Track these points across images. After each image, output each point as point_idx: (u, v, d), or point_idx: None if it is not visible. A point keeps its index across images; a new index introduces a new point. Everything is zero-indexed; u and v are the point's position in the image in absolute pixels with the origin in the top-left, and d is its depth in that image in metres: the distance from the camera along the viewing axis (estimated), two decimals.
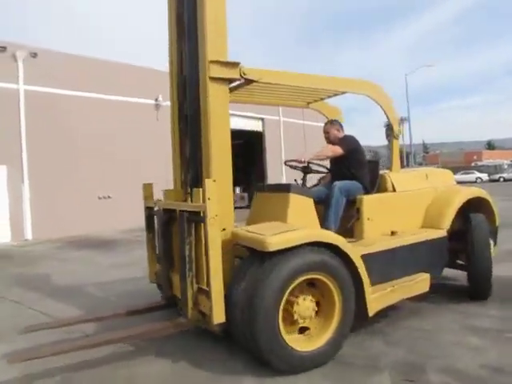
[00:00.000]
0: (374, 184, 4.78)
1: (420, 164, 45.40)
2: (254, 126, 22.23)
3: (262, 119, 22.44)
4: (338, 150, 4.63)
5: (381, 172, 4.89)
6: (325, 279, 3.50)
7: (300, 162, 4.48)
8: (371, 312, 3.79)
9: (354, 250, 3.71)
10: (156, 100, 16.99)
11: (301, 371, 3.36)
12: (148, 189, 4.79)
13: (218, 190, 3.56)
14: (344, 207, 4.45)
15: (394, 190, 4.72)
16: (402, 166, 33.89)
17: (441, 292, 5.19)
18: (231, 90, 4.32)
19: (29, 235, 13.52)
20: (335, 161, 4.81)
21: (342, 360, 3.59)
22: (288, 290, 3.31)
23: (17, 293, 6.42)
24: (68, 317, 4.71)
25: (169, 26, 4.62)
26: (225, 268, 3.49)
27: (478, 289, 4.81)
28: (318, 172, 4.86)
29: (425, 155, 63.13)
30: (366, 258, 3.86)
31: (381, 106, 4.75)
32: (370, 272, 3.81)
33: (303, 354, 3.39)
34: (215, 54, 3.76)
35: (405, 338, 4.01)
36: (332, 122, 5.06)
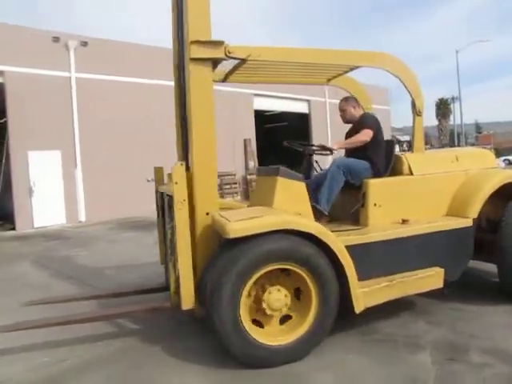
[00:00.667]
0: (388, 166, 4.39)
1: (472, 145, 43.77)
2: (300, 107, 21.94)
3: (308, 101, 22.13)
4: (370, 134, 4.33)
5: (398, 153, 4.49)
6: (298, 270, 3.27)
7: (329, 150, 4.32)
8: (358, 308, 3.45)
9: (335, 240, 3.38)
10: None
11: (268, 365, 3.22)
12: (159, 172, 4.75)
13: (201, 175, 3.55)
14: (341, 187, 4.15)
15: (411, 174, 4.29)
16: (452, 147, 32.87)
17: (484, 275, 5.05)
18: (235, 70, 4.31)
19: (82, 217, 14.18)
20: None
21: (384, 338, 3.67)
22: (251, 279, 3.17)
23: (77, 270, 6.94)
24: (77, 293, 5.12)
25: (172, 8, 4.49)
26: (208, 253, 3.51)
27: (509, 285, 4.26)
28: (321, 154, 4.57)
29: (477, 136, 60.85)
30: (354, 248, 3.56)
31: (400, 80, 4.33)
32: (359, 264, 3.51)
33: (272, 346, 3.24)
34: (195, 33, 3.58)
35: (447, 318, 4.01)
36: (347, 99, 4.72)
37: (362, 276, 3.58)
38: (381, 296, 3.61)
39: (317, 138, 22.28)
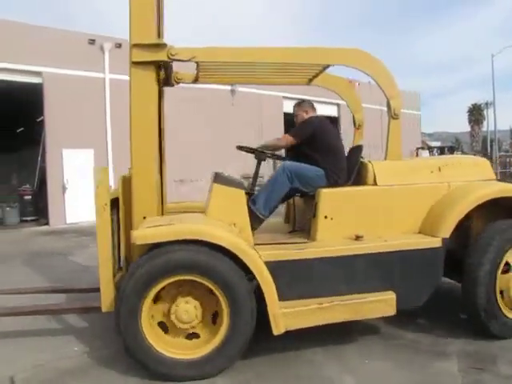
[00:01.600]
0: (350, 174, 4.04)
1: (506, 151, 42.80)
2: (330, 111, 21.80)
3: (338, 104, 21.95)
4: (288, 140, 4.06)
5: (365, 160, 4.05)
6: (205, 282, 3.13)
7: (248, 150, 4.07)
8: (276, 330, 3.18)
9: (251, 254, 3.17)
10: (232, 85, 17.02)
11: (170, 378, 3.12)
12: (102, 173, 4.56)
13: (138, 179, 3.52)
14: (285, 193, 3.91)
15: (376, 184, 3.83)
16: (485, 155, 32.03)
17: None
18: (200, 71, 4.26)
19: None
20: (297, 147, 4.18)
21: (410, 344, 3.66)
22: (155, 288, 3.10)
23: None
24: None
25: None
26: None
27: (470, 305, 3.72)
28: (275, 158, 4.34)
29: None
30: (283, 264, 3.33)
31: (375, 79, 3.96)
32: (287, 282, 3.30)
33: (177, 360, 3.14)
34: (137, 36, 3.55)
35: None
36: (300, 104, 4.44)
37: (290, 295, 3.34)
38: (307, 319, 3.29)
39: (347, 142, 22.13)
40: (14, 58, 12.63)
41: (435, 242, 3.62)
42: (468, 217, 3.79)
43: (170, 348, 3.16)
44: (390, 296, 3.45)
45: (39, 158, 15.02)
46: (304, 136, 4.04)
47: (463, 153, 38.69)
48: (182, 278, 3.12)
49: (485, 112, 47.39)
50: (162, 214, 4.15)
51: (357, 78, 22.06)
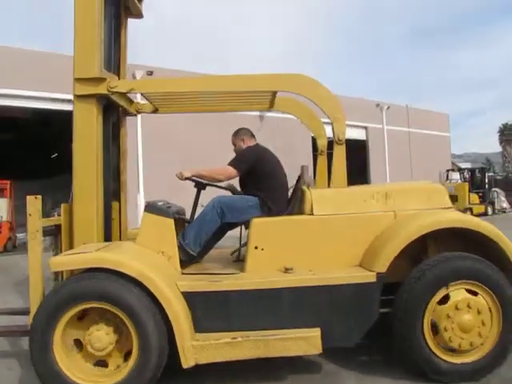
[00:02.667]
0: (289, 204, 3.91)
1: None
2: (357, 134, 21.57)
3: (366, 128, 21.68)
4: (230, 173, 3.94)
5: (306, 188, 3.86)
6: (115, 311, 3.10)
7: (179, 177, 4.01)
8: (185, 363, 3.09)
9: (159, 284, 3.12)
10: (260, 111, 17.12)
11: None
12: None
13: (78, 207, 3.64)
14: (215, 229, 3.84)
15: (312, 213, 3.63)
16: None
17: None
18: (153, 101, 4.37)
19: None
20: (241, 176, 4.11)
21: None
22: (66, 315, 3.11)
23: None
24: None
25: None
26: None
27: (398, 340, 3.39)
28: (217, 187, 4.24)
29: None
30: (195, 295, 3.26)
31: (318, 105, 3.82)
32: (200, 314, 3.24)
33: None
34: (79, 71, 3.68)
35: None
36: (237, 133, 4.36)
37: (207, 327, 3.27)
38: (217, 354, 3.16)
39: (374, 165, 21.77)
40: (53, 87, 13.21)
41: (369, 277, 3.38)
42: (425, 246, 3.59)
43: (80, 374, 3.16)
44: (314, 334, 3.26)
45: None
46: (245, 168, 3.98)
47: (495, 173, 37.22)
48: (90, 306, 3.15)
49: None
50: (120, 240, 4.26)
51: (386, 101, 21.93)
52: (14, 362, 4.07)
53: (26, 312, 4.17)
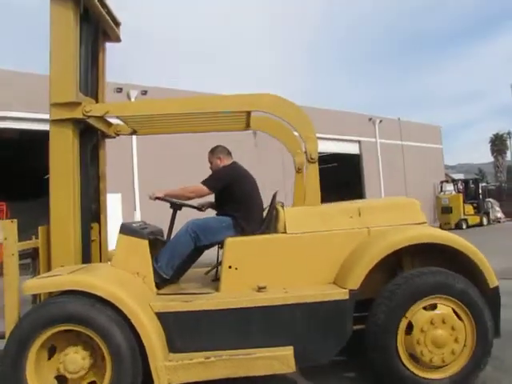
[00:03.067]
0: (263, 222, 3.92)
1: None
2: (351, 148, 21.64)
3: (359, 141, 21.71)
4: (202, 191, 3.95)
5: (280, 207, 3.88)
6: (88, 333, 3.11)
7: (151, 197, 4.05)
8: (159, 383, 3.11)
9: (130, 305, 3.12)
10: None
11: None
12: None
13: (55, 230, 3.69)
14: (189, 252, 3.84)
15: (285, 232, 3.64)
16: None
17: None
18: (129, 124, 4.43)
19: None
20: (214, 196, 4.16)
21: None
22: (40, 338, 3.10)
23: None
24: None
25: None
26: None
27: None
28: (193, 207, 4.25)
29: None
30: (168, 316, 3.27)
31: (290, 123, 3.89)
32: (174, 334, 3.25)
33: None
34: (54, 96, 3.76)
35: None
36: (213, 151, 4.39)
37: (182, 347, 3.28)
38: (190, 373, 3.15)
39: (369, 179, 21.79)
40: (47, 109, 13.26)
41: (341, 294, 3.37)
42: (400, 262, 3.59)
43: None
44: (286, 352, 3.24)
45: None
46: (219, 187, 4.00)
47: (488, 184, 37.17)
48: (64, 328, 3.13)
49: (508, 142, 45.70)
50: (101, 261, 4.25)
51: (378, 115, 22.01)
52: None
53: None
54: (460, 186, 22.05)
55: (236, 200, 3.96)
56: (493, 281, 3.46)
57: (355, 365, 3.92)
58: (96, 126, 4.08)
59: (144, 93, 15.25)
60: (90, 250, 4.08)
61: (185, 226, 3.90)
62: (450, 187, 22.59)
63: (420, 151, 23.74)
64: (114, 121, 4.45)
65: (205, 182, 3.99)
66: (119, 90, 14.88)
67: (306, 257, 3.60)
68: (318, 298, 3.36)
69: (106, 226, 4.48)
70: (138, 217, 14.81)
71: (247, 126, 4.68)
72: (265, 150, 16.96)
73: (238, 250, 3.63)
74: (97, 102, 4.36)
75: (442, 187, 23.10)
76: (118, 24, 4.48)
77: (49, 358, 3.24)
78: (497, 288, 3.48)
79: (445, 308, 3.33)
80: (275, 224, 3.80)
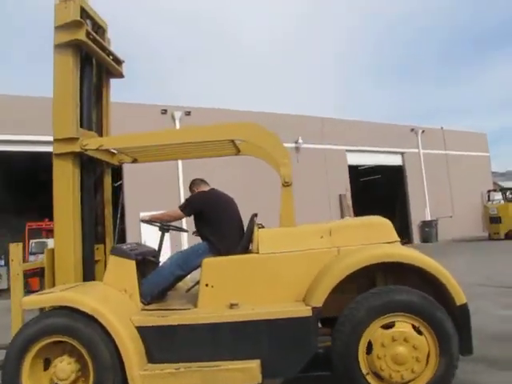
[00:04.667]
0: (239, 243, 4.07)
1: None
2: (394, 160, 21.27)
3: (402, 153, 21.29)
4: (178, 214, 4.34)
5: (259, 228, 4.09)
6: (75, 344, 3.47)
7: (151, 223, 4.42)
8: None
9: (109, 318, 3.44)
10: (296, 142, 17.29)
11: None
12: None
13: (59, 252, 4.11)
14: (172, 281, 4.16)
15: (258, 252, 3.83)
16: None
17: None
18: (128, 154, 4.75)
19: None
20: (194, 220, 4.44)
21: None
22: (33, 349, 3.49)
23: None
24: None
25: None
26: None
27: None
28: (179, 230, 4.68)
29: None
30: (146, 329, 3.57)
31: (267, 151, 4.07)
32: (152, 346, 3.56)
33: None
34: (56, 131, 4.19)
35: None
36: (193, 182, 4.72)
37: (158, 358, 3.57)
38: (164, 382, 3.40)
39: (413, 190, 21.29)
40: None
41: (304, 312, 3.52)
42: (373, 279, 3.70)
43: None
44: (252, 365, 3.44)
45: (118, 220, 16.31)
46: (192, 211, 4.33)
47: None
48: (55, 339, 3.52)
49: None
50: None
51: (420, 125, 21.53)
52: None
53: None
54: (510, 195, 20.97)
55: (211, 223, 4.23)
56: (460, 298, 3.47)
57: (328, 379, 3.85)
58: (99, 157, 4.50)
59: (188, 113, 15.86)
60: (93, 269, 4.46)
61: (168, 259, 4.24)
62: (498, 196, 21.53)
63: (465, 160, 22.91)
64: None
65: (180, 207, 4.37)
66: (164, 111, 15.59)
67: (277, 276, 3.78)
68: (282, 314, 3.53)
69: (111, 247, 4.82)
70: (184, 234, 15.27)
71: (237, 152, 4.93)
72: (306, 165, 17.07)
73: (214, 269, 3.88)
74: (101, 134, 4.76)
75: (489, 196, 21.99)
76: (119, 62, 4.92)
77: (45, 370, 3.65)
78: (465, 305, 3.48)
79: (404, 325, 3.36)
80: (252, 245, 4.02)
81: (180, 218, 4.42)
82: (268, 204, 15.75)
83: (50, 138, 4.13)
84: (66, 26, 4.07)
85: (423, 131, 21.87)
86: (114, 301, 3.78)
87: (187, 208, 4.32)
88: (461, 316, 3.46)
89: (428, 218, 21.20)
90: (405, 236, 18.82)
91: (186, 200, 4.50)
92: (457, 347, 3.38)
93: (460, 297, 3.48)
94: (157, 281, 4.14)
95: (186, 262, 4.16)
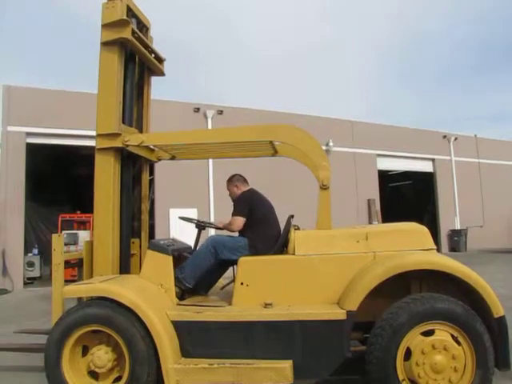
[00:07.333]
0: (275, 244, 4.09)
1: None
2: (424, 166, 20.86)
3: (433, 159, 20.91)
4: (239, 222, 4.30)
5: (295, 229, 4.11)
6: (112, 334, 3.58)
7: (189, 221, 4.66)
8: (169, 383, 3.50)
9: (147, 312, 3.53)
10: (327, 145, 17.16)
11: None
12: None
13: (97, 244, 4.22)
14: (209, 265, 4.19)
15: (294, 253, 3.86)
16: None
17: None
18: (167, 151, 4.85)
19: None
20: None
21: None
22: (73, 336, 3.60)
23: None
24: None
25: None
26: None
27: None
28: (214, 227, 4.83)
29: None
30: (181, 324, 3.65)
31: (306, 153, 4.10)
32: (186, 340, 3.63)
33: None
34: (99, 127, 4.30)
35: None
36: (230, 180, 4.72)
37: (192, 353, 3.64)
38: (195, 377, 3.48)
39: (443, 197, 20.87)
40: None
41: (339, 315, 3.52)
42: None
43: None
44: (284, 365, 3.47)
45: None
46: (246, 210, 4.33)
47: None
48: (94, 328, 3.64)
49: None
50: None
51: (452, 132, 21.12)
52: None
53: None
54: None
55: (252, 222, 4.28)
56: (498, 310, 3.40)
57: None
58: (139, 153, 4.61)
59: (220, 112, 15.91)
60: (129, 262, 4.60)
61: (205, 241, 4.30)
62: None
63: (499, 169, 22.39)
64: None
65: (235, 213, 4.36)
66: (197, 109, 15.67)
67: (312, 277, 3.80)
68: (317, 316, 3.55)
69: (147, 242, 4.96)
70: (212, 231, 15.39)
71: (274, 153, 4.97)
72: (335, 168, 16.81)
73: (250, 268, 3.93)
74: (141, 131, 4.89)
75: None
76: (161, 61, 5.06)
77: (83, 356, 3.78)
78: (503, 318, 3.40)
79: (444, 334, 3.33)
80: (287, 246, 4.04)
81: (243, 225, 4.31)
82: (299, 205, 15.77)
83: (85, 132, 4.24)
84: (113, 25, 4.19)
85: (456, 138, 21.46)
86: (150, 294, 3.86)
87: (242, 211, 4.32)
88: (498, 329, 3.40)
89: (457, 226, 20.77)
90: None
91: (236, 203, 4.51)
92: (492, 361, 3.32)
93: (498, 309, 3.41)
94: (195, 264, 4.20)
95: (223, 248, 4.19)
